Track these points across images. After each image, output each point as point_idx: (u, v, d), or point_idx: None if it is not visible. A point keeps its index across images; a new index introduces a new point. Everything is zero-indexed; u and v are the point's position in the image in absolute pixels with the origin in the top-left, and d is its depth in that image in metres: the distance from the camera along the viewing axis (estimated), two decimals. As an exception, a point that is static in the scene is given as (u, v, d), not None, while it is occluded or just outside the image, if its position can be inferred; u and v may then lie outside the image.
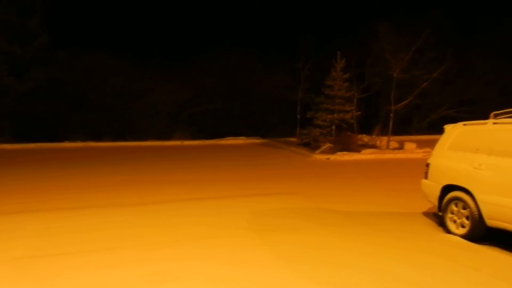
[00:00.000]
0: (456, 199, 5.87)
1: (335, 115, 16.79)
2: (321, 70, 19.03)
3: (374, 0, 28.68)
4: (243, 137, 22.36)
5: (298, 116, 20.58)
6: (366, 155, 15.66)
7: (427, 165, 6.55)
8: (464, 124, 6.23)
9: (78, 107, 22.06)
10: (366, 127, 20.85)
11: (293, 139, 19.84)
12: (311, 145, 17.22)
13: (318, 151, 15.91)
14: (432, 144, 6.70)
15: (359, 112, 17.78)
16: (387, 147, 16.92)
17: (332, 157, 15.30)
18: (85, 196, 8.64)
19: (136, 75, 23.39)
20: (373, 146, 16.95)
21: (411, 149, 16.51)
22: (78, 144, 19.79)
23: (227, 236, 5.80)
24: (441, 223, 6.21)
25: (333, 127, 16.97)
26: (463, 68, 24.36)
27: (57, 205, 7.82)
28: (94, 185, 9.90)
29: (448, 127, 6.50)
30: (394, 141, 17.56)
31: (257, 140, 22.01)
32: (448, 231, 5.98)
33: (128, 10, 27.77)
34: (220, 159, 15.28)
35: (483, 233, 5.54)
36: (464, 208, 5.75)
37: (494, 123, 5.68)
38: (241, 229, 6.17)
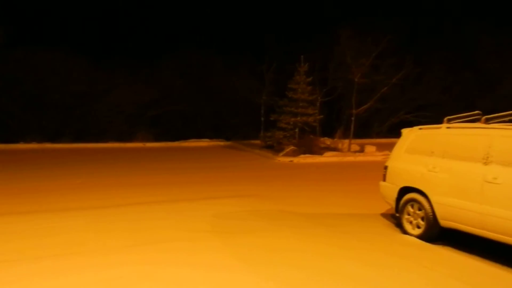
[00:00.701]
0: (412, 200, 6.07)
1: (299, 118, 16.98)
2: (285, 73, 19.19)
3: (337, 6, 29.36)
4: (207, 139, 22.19)
5: (262, 118, 20.67)
6: (328, 157, 15.93)
7: (385, 167, 6.73)
8: (420, 128, 6.45)
9: (35, 107, 21.13)
10: (329, 130, 21.21)
11: (257, 142, 19.88)
12: (275, 148, 17.33)
13: (281, 154, 16.03)
14: (391, 147, 6.89)
15: (321, 116, 18.06)
16: (349, 150, 17.28)
17: (295, 159, 15.46)
18: (39, 199, 8.27)
19: (97, 74, 22.69)
20: (335, 149, 17.27)
21: (371, 152, 16.93)
22: (34, 146, 18.93)
23: (188, 239, 5.72)
24: (398, 224, 6.40)
25: (297, 130, 17.14)
26: (421, 74, 25.30)
27: (8, 209, 7.44)
28: (49, 188, 9.48)
29: (405, 131, 6.70)
30: (355, 144, 17.96)
31: (221, 143, 21.92)
32: (404, 231, 6.16)
33: (90, 8, 27.02)
34: (183, 161, 15.09)
35: (437, 233, 5.75)
36: (419, 210, 5.95)
37: (448, 128, 5.92)
38: (203, 232, 6.11)
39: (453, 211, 5.41)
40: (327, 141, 18.37)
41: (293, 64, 17.63)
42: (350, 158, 16.06)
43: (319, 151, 16.60)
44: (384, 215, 7.34)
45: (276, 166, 14.39)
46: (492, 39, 26.70)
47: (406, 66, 19.62)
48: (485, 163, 5.06)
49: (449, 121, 6.05)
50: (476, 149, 5.24)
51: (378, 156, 15.79)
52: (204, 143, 21.76)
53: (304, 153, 16.08)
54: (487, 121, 5.47)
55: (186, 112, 24.11)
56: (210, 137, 22.54)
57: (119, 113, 22.96)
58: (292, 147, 16.24)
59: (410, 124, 7.01)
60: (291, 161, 15.36)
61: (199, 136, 22.30)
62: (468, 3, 30.49)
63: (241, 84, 23.53)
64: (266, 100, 20.87)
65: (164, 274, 4.49)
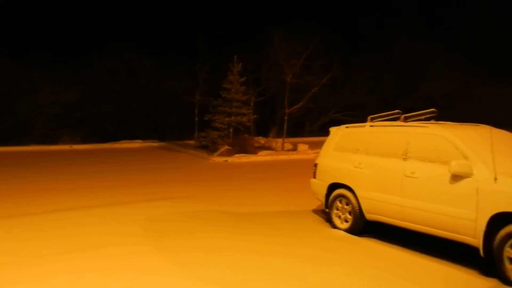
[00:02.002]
0: (340, 196, 6.36)
1: (233, 118, 17.06)
2: (219, 73, 19.22)
3: (270, 8, 29.91)
4: (140, 141, 21.55)
5: (196, 119, 20.52)
6: (262, 156, 16.19)
7: (315, 165, 6.98)
8: (347, 127, 6.77)
9: None
10: (263, 129, 21.58)
11: (192, 142, 19.70)
12: (209, 148, 17.27)
13: (216, 154, 16.01)
14: (322, 145, 7.15)
15: (255, 115, 18.30)
16: (282, 148, 17.69)
17: (230, 159, 15.52)
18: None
19: (17, 73, 21.09)
20: (269, 148, 17.59)
21: (303, 150, 17.47)
22: None
23: (118, 244, 5.52)
24: (328, 219, 6.66)
25: (231, 130, 17.22)
26: (349, 76, 26.59)
27: None
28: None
29: (333, 130, 7.00)
30: (288, 142, 18.44)
31: (154, 144, 21.39)
32: (334, 226, 6.43)
33: (9, 3, 25.02)
34: (114, 164, 14.52)
35: (363, 227, 6.08)
36: (347, 204, 6.25)
37: (371, 126, 6.28)
38: (134, 236, 5.92)
39: (377, 205, 5.75)
40: (261, 140, 18.66)
41: (227, 64, 17.69)
42: (284, 157, 16.44)
43: (254, 150, 16.82)
44: (315, 211, 7.61)
45: (211, 166, 14.34)
46: (412, 44, 28.83)
47: (334, 68, 20.47)
48: (404, 159, 5.44)
49: (372, 119, 6.42)
50: (396, 146, 5.61)
51: (310, 154, 16.32)
52: (136, 144, 21.11)
53: (239, 152, 16.20)
54: (405, 119, 5.89)
55: (116, 112, 23.20)
56: (143, 138, 21.91)
57: (41, 114, 21.52)
58: (226, 147, 16.29)
59: (340, 123, 7.33)
60: (225, 161, 15.39)
61: (131, 137, 21.59)
62: (391, 10, 32.57)
63: (174, 84, 23.14)
64: (200, 100, 20.75)
65: (93, 282, 4.29)
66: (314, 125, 27.07)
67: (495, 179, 4.38)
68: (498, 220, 4.35)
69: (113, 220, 6.84)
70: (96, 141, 20.58)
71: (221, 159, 15.50)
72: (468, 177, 4.63)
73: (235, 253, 5.23)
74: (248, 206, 7.95)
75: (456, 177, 4.73)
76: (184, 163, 14.91)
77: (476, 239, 4.54)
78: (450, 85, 28.62)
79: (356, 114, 22.80)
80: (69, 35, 26.05)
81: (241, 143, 16.90)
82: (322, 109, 26.51)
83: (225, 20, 28.40)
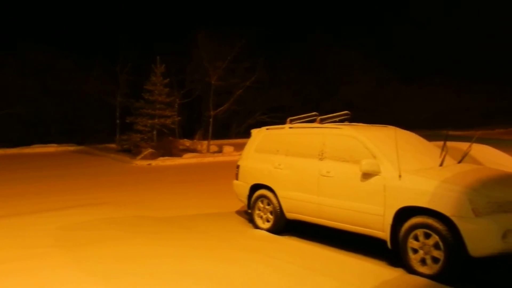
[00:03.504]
0: (262, 196, 6.48)
1: (156, 120, 16.65)
2: (141, 74, 18.66)
3: (194, 9, 29.68)
4: (54, 145, 20.17)
5: (118, 121, 19.71)
6: (187, 159, 15.98)
7: (238, 167, 7.04)
8: (267, 129, 6.92)
9: None
10: (189, 132, 21.32)
11: (113, 146, 18.88)
12: (132, 151, 16.69)
13: (139, 157, 15.51)
14: (246, 147, 7.21)
15: (179, 118, 18.04)
16: (208, 151, 17.61)
17: (154, 162, 15.12)
18: None
19: None
20: (194, 150, 17.40)
21: (229, 152, 17.54)
22: None
23: (28, 258, 5.09)
24: (251, 220, 6.75)
25: (154, 132, 16.79)
26: (273, 79, 27.24)
27: None
28: None
29: (254, 131, 7.11)
30: (214, 145, 18.39)
31: (72, 148, 20.15)
32: (256, 226, 6.54)
33: None
34: (25, 170, 13.46)
35: (284, 226, 6.24)
36: (268, 205, 6.38)
37: (290, 128, 6.48)
38: (46, 247, 5.52)
39: (296, 204, 5.95)
40: (187, 142, 18.42)
41: (149, 66, 17.23)
42: (209, 159, 16.37)
43: (179, 153, 16.55)
44: (239, 212, 7.68)
45: (133, 170, 13.85)
46: (332, 50, 30.37)
47: (258, 70, 20.83)
48: (321, 159, 5.68)
49: (291, 121, 6.63)
50: (313, 147, 5.84)
51: (235, 156, 16.39)
52: (51, 148, 19.76)
53: (163, 155, 15.84)
54: (321, 121, 6.16)
55: (28, 114, 21.48)
56: (59, 142, 20.55)
57: None
58: (150, 150, 15.85)
59: (266, 125, 7.45)
60: (149, 164, 14.97)
61: (44, 141, 20.13)
62: (313, 17, 33.98)
63: (94, 84, 22.00)
64: (122, 102, 19.99)
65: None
66: (240, 127, 27.31)
67: (400, 176, 4.74)
68: (402, 214, 4.71)
69: (22, 231, 6.31)
70: (3, 145, 18.84)
71: (144, 163, 15.04)
72: (376, 175, 4.96)
73: (156, 259, 5.08)
74: (171, 210, 7.79)
75: (366, 175, 5.04)
76: (104, 167, 14.23)
77: (384, 232, 4.88)
78: (367, 88, 30.57)
79: (282, 116, 23.34)
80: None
81: (165, 146, 16.53)
82: (248, 111, 26.84)
83: (148, 21, 27.68)
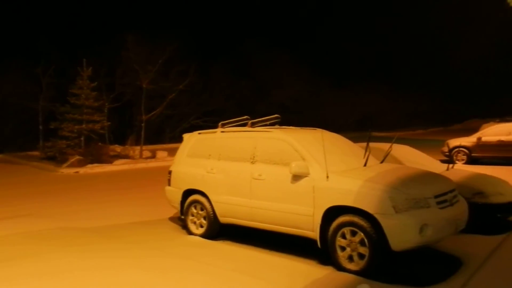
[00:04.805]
0: (195, 202, 6.39)
1: (84, 126, 15.85)
2: (66, 77, 17.68)
3: (125, 12, 28.73)
4: (-34, 153, 18.47)
5: (41, 127, 18.50)
6: (118, 165, 15.38)
7: (170, 172, 6.89)
8: (199, 133, 6.85)
9: None
10: (120, 137, 20.54)
11: (36, 153, 17.67)
12: (57, 159, 15.73)
13: (65, 165, 14.66)
14: (179, 152, 7.06)
15: (109, 123, 17.34)
16: (140, 156, 17.08)
17: (82, 170, 14.37)
18: None
19: None
20: (126, 156, 16.78)
21: (162, 157, 17.15)
22: None
23: None
24: (185, 226, 6.62)
25: (82, 138, 15.98)
26: (206, 83, 27.14)
27: None
28: None
29: (186, 136, 7.02)
30: (147, 150, 17.89)
31: (-14, 156, 18.56)
32: (190, 232, 6.43)
33: None
34: None
35: (218, 231, 6.20)
36: (202, 210, 6.31)
37: (222, 132, 6.47)
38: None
39: (229, 208, 5.94)
40: (118, 148, 17.72)
41: (75, 68, 16.37)
42: (142, 165, 15.89)
43: (109, 159, 15.87)
44: (172, 219, 7.51)
45: (59, 179, 13.06)
46: (265, 55, 30.96)
47: (191, 74, 20.64)
48: (252, 162, 5.73)
49: (223, 125, 6.62)
50: (244, 150, 5.88)
51: (169, 161, 15.98)
52: (-37, 158, 18.04)
53: (92, 162, 15.11)
54: (252, 125, 6.21)
55: None
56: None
57: None
58: (77, 157, 15.04)
59: (201, 129, 7.37)
60: (76, 172, 14.20)
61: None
62: (246, 22, 34.38)
63: (12, 87, 20.42)
64: (45, 107, 18.80)
65: None
66: (174, 131, 26.82)
67: (327, 177, 4.92)
68: (331, 214, 4.88)
69: None
70: None
71: (71, 171, 14.24)
72: (306, 176, 5.10)
73: (83, 272, 4.78)
74: (99, 220, 7.44)
75: (296, 177, 5.17)
76: (25, 177, 13.26)
77: (314, 232, 5.02)
78: (299, 92, 31.49)
79: (216, 119, 23.18)
80: None
81: (94, 152, 15.75)
82: (182, 115, 26.51)
83: (74, 22, 26.29)
